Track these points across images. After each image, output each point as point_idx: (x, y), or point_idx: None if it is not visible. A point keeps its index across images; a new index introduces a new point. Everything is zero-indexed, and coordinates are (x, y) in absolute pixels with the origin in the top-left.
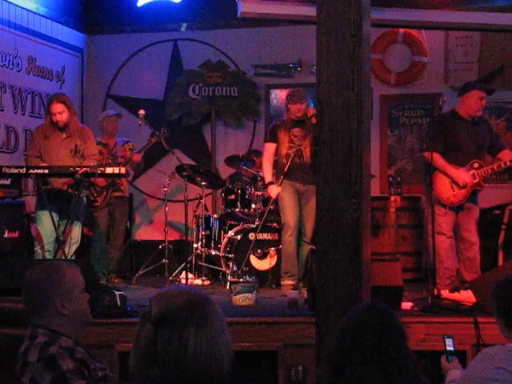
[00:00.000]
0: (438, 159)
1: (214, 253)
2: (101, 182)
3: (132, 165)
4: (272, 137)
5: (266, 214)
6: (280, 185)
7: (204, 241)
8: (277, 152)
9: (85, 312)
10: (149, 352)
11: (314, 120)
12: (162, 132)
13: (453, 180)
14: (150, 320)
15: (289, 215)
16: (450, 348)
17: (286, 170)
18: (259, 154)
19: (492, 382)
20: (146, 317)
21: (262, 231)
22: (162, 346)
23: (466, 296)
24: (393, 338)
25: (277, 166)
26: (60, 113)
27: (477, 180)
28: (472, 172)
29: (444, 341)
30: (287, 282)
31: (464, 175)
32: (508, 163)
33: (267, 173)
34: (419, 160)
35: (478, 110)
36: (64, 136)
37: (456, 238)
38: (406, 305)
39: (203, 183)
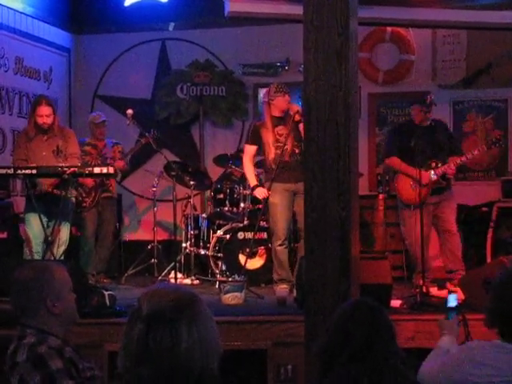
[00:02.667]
0: (397, 162)
1: (202, 252)
2: (89, 182)
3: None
4: (254, 138)
5: (260, 214)
6: (270, 189)
7: (193, 240)
8: (261, 153)
9: (73, 311)
10: (140, 350)
11: (297, 117)
12: (151, 134)
13: (413, 180)
14: (141, 318)
15: (279, 224)
16: (451, 304)
17: (274, 175)
18: None
19: (474, 377)
20: (135, 316)
21: (250, 230)
22: (155, 344)
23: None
24: (382, 335)
25: (264, 168)
26: (48, 116)
27: (435, 178)
28: (430, 171)
29: (448, 297)
30: (282, 285)
31: (424, 174)
32: (463, 158)
33: (250, 176)
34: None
35: (423, 120)
36: (45, 138)
37: (437, 230)
38: (395, 302)
39: (191, 183)
